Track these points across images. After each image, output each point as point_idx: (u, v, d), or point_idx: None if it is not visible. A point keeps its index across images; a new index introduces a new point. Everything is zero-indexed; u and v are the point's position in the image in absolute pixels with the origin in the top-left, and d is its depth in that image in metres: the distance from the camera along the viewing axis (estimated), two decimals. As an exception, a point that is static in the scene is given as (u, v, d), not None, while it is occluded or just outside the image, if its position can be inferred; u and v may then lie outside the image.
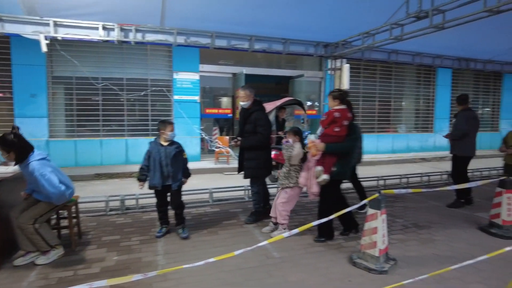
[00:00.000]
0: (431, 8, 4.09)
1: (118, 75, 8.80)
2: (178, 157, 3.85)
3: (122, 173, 7.95)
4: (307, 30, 5.55)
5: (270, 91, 12.60)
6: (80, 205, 4.11)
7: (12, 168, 3.64)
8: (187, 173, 3.98)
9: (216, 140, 9.31)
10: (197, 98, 9.28)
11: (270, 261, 3.46)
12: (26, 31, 4.51)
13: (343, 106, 3.74)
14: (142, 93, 8.91)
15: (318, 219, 3.92)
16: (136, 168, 8.36)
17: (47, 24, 4.51)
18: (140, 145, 8.94)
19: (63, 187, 3.26)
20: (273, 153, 7.23)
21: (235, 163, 8.88)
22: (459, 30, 4.65)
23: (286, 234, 2.62)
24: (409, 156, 11.33)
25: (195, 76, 9.25)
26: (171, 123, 3.86)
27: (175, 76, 9.10)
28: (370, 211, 3.26)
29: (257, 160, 4.38)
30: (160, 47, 8.99)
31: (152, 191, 3.93)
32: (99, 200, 5.00)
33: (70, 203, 3.61)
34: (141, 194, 5.22)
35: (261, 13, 4.98)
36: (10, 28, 4.43)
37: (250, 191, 4.68)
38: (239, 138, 4.36)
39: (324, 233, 3.97)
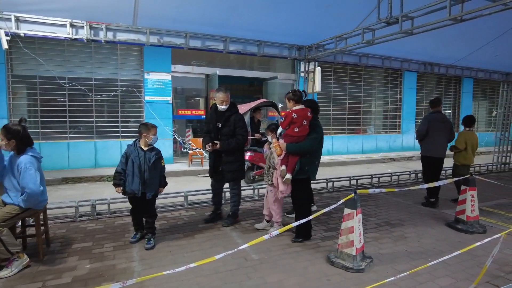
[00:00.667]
0: (400, 14, 4.26)
1: (86, 75, 8.46)
2: (156, 164, 3.74)
3: (92, 177, 7.64)
4: (281, 33, 5.61)
5: (243, 92, 12.62)
6: (48, 212, 3.90)
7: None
8: (163, 182, 3.87)
9: (190, 142, 9.18)
10: (169, 99, 9.11)
11: (248, 263, 3.45)
12: (-16, 26, 4.24)
13: (300, 106, 3.85)
14: (112, 94, 8.62)
15: (296, 219, 4.02)
16: (105, 171, 8.15)
17: (8, 19, 4.25)
18: (109, 148, 8.65)
19: (41, 188, 3.18)
20: (248, 154, 7.26)
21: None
22: (425, 36, 4.88)
23: (266, 236, 2.63)
24: (378, 156, 11.72)
25: (167, 77, 9.07)
26: (154, 127, 3.73)
27: (146, 76, 8.88)
28: (346, 210, 3.34)
29: (237, 162, 4.39)
30: (131, 46, 8.75)
31: (125, 196, 3.80)
32: (68, 205, 4.77)
33: (40, 210, 3.42)
34: (113, 198, 5.08)
35: (236, 15, 4.98)
36: (-35, 23, 4.14)
37: (229, 193, 4.68)
38: (216, 142, 4.31)
39: (302, 234, 4.03)
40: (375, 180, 7.19)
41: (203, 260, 2.27)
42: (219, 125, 4.33)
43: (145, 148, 3.71)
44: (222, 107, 4.30)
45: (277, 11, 4.93)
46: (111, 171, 8.17)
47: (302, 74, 6.53)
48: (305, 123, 3.79)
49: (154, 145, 3.82)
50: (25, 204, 3.15)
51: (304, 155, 3.85)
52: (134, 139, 3.80)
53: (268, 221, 4.40)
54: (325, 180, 6.65)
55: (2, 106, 7.78)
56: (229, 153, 4.33)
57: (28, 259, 3.27)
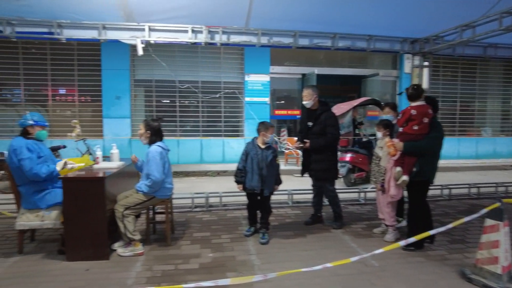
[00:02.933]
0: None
1: (193, 78, 9.13)
2: (273, 162, 3.79)
3: (198, 172, 8.23)
4: (392, 27, 5.23)
5: (335, 92, 12.24)
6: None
7: (116, 164, 3.88)
8: (279, 180, 3.91)
9: (285, 142, 9.23)
10: (267, 99, 9.30)
11: (368, 269, 3.24)
12: (124, 36, 4.83)
13: (420, 103, 3.50)
14: (218, 95, 9.16)
15: (409, 226, 3.68)
16: (209, 167, 8.70)
17: (143, 29, 4.78)
18: (213, 146, 9.20)
19: (163, 177, 3.49)
20: (349, 155, 6.95)
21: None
22: None
23: (403, 242, 2.41)
24: (497, 162, 10.18)
25: (266, 78, 9.27)
26: (272, 126, 3.81)
27: (246, 78, 9.21)
28: (489, 221, 2.89)
29: (326, 161, 4.22)
30: (232, 49, 9.17)
31: (238, 190, 3.94)
32: (185, 197, 5.17)
33: (167, 199, 3.75)
34: (224, 192, 5.36)
35: (344, 11, 4.79)
36: (111, 35, 4.77)
37: (324, 194, 4.55)
38: (306, 140, 4.20)
39: (414, 242, 3.65)
40: (501, 189, 6.21)
41: (339, 261, 2.18)
42: (310, 124, 4.24)
43: (263, 146, 3.79)
44: (305, 103, 4.22)
45: (388, 3, 4.60)
46: (215, 167, 8.85)
47: (407, 70, 5.99)
48: (426, 121, 3.45)
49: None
50: (147, 189, 3.47)
51: (423, 156, 3.51)
52: (253, 137, 3.90)
53: (387, 225, 4.11)
54: (439, 187, 5.98)
55: (126, 107, 8.88)
56: (318, 152, 4.18)
57: (142, 250, 3.52)
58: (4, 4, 4.31)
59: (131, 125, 8.98)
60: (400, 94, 8.24)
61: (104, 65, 8.75)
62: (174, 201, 5.27)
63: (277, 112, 9.65)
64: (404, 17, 4.97)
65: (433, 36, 5.37)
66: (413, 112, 3.45)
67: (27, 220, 3.40)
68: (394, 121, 4.07)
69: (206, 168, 8.46)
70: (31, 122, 3.44)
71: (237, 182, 3.84)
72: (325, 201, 4.59)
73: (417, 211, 3.66)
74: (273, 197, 5.46)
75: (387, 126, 3.94)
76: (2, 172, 6.53)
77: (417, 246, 3.66)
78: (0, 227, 4.27)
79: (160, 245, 3.72)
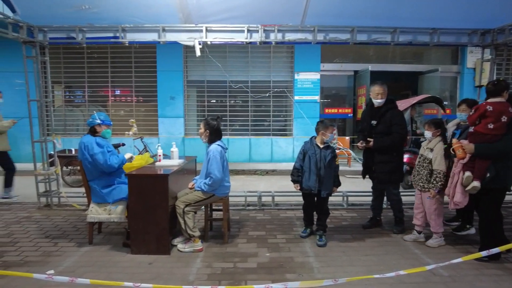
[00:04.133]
0: None
1: (244, 78, 9.21)
2: (331, 163, 3.68)
3: (247, 170, 8.30)
4: (459, 17, 4.81)
5: (388, 90, 11.66)
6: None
7: (177, 161, 3.98)
8: (337, 182, 3.78)
9: (336, 141, 8.97)
10: (317, 98, 9.12)
11: (437, 278, 3.01)
12: (182, 38, 4.95)
13: (499, 99, 3.15)
14: (267, 94, 9.16)
15: (482, 236, 3.36)
16: (258, 166, 8.72)
17: (200, 30, 4.85)
18: (261, 145, 9.22)
19: (223, 176, 3.55)
20: (407, 156, 6.56)
21: (356, 166, 8.44)
22: None
23: (485, 253, 2.17)
24: None
25: (316, 76, 9.09)
26: (332, 125, 3.70)
27: (296, 76, 9.09)
28: None
29: (391, 163, 3.97)
30: (282, 48, 9.11)
31: (290, 190, 3.90)
32: (239, 195, 5.22)
33: (225, 197, 3.78)
34: (276, 192, 5.32)
35: (407, 4, 4.49)
36: (170, 37, 4.91)
37: (386, 198, 4.32)
38: (369, 139, 3.98)
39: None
40: None
41: (413, 269, 2.02)
42: (374, 122, 4.01)
43: (321, 146, 3.68)
44: (378, 101, 3.96)
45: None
46: (263, 166, 8.84)
47: (470, 65, 5.49)
48: (504, 120, 3.10)
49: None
50: (206, 188, 3.51)
51: (498, 159, 3.16)
52: (311, 136, 3.81)
53: (419, 232, 3.83)
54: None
55: (180, 107, 9.19)
56: (383, 152, 3.94)
57: (201, 246, 3.57)
58: (76, 13, 4.61)
59: (184, 124, 9.27)
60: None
61: (159, 67, 9.12)
62: (230, 199, 5.36)
63: (327, 110, 9.42)
64: (473, 6, 4.55)
65: (508, 25, 4.87)
66: (489, 108, 3.12)
67: (97, 214, 3.61)
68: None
69: (254, 167, 8.50)
70: (98, 121, 3.66)
71: (294, 181, 3.78)
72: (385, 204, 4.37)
73: (491, 221, 3.32)
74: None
75: (438, 126, 3.64)
76: (70, 167, 7.11)
77: (493, 257, 3.33)
78: (72, 219, 4.60)
79: (217, 242, 3.76)
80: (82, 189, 4.15)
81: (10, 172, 5.59)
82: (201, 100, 9.46)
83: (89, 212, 3.63)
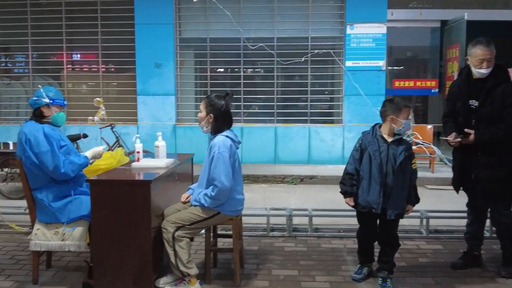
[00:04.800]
0: None
1: (267, 34, 9.20)
2: (406, 166, 3.57)
3: (271, 176, 8.28)
4: None
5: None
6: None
7: (164, 161, 3.99)
8: (414, 196, 3.68)
9: (412, 132, 8.82)
10: (381, 63, 9.02)
11: None
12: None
13: None
14: (302, 59, 9.09)
15: None
16: (289, 170, 8.70)
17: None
18: (293, 137, 9.18)
19: (233, 183, 3.50)
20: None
21: (443, 171, 8.29)
22: None
23: None
24: None
25: (380, 29, 8.95)
26: (407, 106, 3.61)
27: (348, 30, 9.00)
28: None
29: (504, 166, 3.83)
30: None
31: (337, 208, 3.85)
32: (257, 213, 5.21)
33: (237, 216, 3.76)
34: (315, 210, 5.28)
35: None
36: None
37: (490, 221, 4.22)
38: (467, 130, 3.85)
39: None
40: None
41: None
42: (474, 103, 3.91)
43: (390, 139, 3.59)
44: (482, 71, 3.80)
45: None
46: (297, 170, 8.76)
47: None
48: None
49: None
50: (208, 202, 3.48)
51: None
52: (374, 124, 3.72)
53: None
54: None
55: (170, 80, 9.26)
56: (490, 151, 3.84)
57: None
58: None
59: (175, 106, 9.36)
60: None
61: (138, 19, 9.21)
62: (243, 220, 5.36)
63: (398, 83, 9.28)
64: None
65: None
66: None
67: (44, 239, 3.64)
68: None
69: (282, 171, 8.48)
70: (46, 100, 3.65)
71: (345, 193, 3.70)
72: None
73: None
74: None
75: None
76: (7, 169, 7.27)
77: None
78: (9, 246, 4.67)
79: (225, 285, 3.74)
80: (24, 202, 4.23)
81: None
82: (202, 68, 9.49)
83: (33, 237, 3.66)
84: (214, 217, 3.59)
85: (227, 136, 3.58)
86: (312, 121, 9.31)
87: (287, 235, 5.01)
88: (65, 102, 3.82)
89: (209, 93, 9.21)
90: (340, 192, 3.76)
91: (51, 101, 3.69)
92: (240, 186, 3.70)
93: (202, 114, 3.66)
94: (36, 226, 3.70)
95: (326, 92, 9.43)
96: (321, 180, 8.14)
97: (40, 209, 3.67)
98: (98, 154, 3.89)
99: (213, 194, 3.47)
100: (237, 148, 3.68)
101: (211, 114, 3.61)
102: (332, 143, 9.16)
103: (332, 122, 9.40)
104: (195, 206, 3.59)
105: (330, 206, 5.60)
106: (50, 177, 3.59)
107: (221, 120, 3.63)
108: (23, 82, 9.79)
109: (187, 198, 3.74)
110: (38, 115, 3.71)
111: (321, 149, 9.18)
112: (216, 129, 3.63)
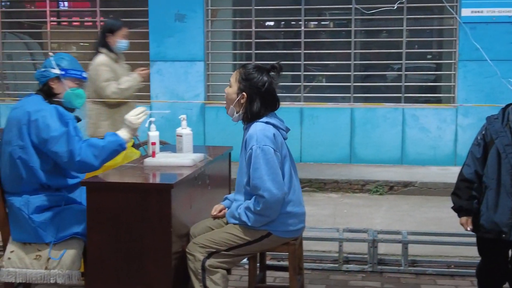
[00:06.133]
0: None
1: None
2: None
3: (346, 182, 8.31)
4: None
5: None
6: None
7: (190, 157, 4.06)
8: None
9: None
10: (515, 13, 8.86)
11: None
12: None
13: None
14: (395, 6, 9.00)
15: None
16: (370, 173, 8.68)
17: None
18: (378, 123, 9.14)
19: (285, 191, 3.47)
20: None
21: None
22: None
23: None
24: None
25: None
26: None
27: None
28: None
29: None
30: None
31: (459, 230, 3.85)
32: (326, 237, 5.23)
33: (295, 239, 3.77)
34: (413, 232, 5.26)
35: None
36: None
37: None
38: None
39: None
40: None
41: None
42: None
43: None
44: None
45: None
46: (384, 174, 8.74)
47: None
48: None
49: None
50: (253, 220, 3.50)
51: None
52: (505, 105, 3.68)
53: None
54: None
55: (197, 39, 9.37)
56: None
57: None
58: None
59: (205, 77, 9.47)
60: None
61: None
62: (305, 245, 5.40)
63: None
64: None
65: None
66: None
67: (21, 265, 3.72)
68: None
69: (362, 175, 8.49)
70: (56, 71, 3.74)
71: (459, 209, 3.68)
72: None
73: None
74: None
75: None
76: None
77: None
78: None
79: None
80: None
81: None
82: (244, 22, 9.56)
83: (4, 263, 3.76)
84: (262, 240, 3.61)
85: (267, 123, 3.60)
86: (408, 100, 9.24)
87: (369, 269, 5.00)
88: (85, 75, 3.89)
89: (253, 58, 9.34)
90: (452, 208, 3.74)
91: (63, 72, 3.77)
92: (297, 194, 3.67)
93: (231, 89, 3.68)
94: (10, 247, 3.78)
95: (430, 57, 9.29)
96: (420, 189, 8.09)
97: (15, 222, 3.75)
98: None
99: (258, 208, 3.48)
100: (286, 138, 3.68)
101: (244, 93, 3.61)
102: (439, 134, 9.08)
103: (439, 101, 9.29)
104: (233, 224, 3.63)
105: (435, 229, 5.59)
106: (42, 179, 3.68)
107: (258, 103, 3.64)
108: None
109: (220, 211, 3.81)
110: (46, 92, 3.83)
111: (420, 142, 9.13)
112: (251, 115, 3.66)
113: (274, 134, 3.51)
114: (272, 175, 3.41)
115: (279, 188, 3.42)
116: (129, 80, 5.73)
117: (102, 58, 5.66)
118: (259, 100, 3.61)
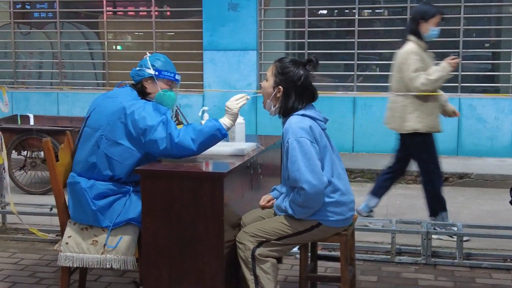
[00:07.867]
0: None
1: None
2: None
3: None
4: None
5: None
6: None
7: (243, 146, 4.06)
8: None
9: None
10: None
11: None
12: None
13: None
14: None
15: None
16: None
17: None
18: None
19: (326, 181, 3.44)
20: None
21: None
22: None
23: None
24: None
25: None
26: None
27: None
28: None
29: None
30: None
31: None
32: (377, 228, 5.24)
33: (347, 228, 3.75)
34: (467, 226, 5.23)
35: None
36: None
37: None
38: None
39: None
40: None
41: None
42: None
43: None
44: None
45: None
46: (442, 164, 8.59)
47: None
48: None
49: None
50: (299, 212, 3.45)
51: None
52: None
53: None
54: None
55: (250, 28, 9.40)
56: None
57: None
58: None
59: (257, 66, 9.50)
60: None
61: None
62: (356, 236, 5.36)
63: None
64: None
65: None
66: None
67: (78, 250, 3.76)
68: None
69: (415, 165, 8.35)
70: (150, 71, 3.83)
71: None
72: None
73: None
74: None
75: None
76: (26, 153, 7.47)
77: None
78: (28, 259, 4.97)
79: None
80: (49, 198, 4.41)
81: None
82: (297, 10, 9.54)
83: (62, 247, 3.83)
84: (313, 230, 3.60)
85: (303, 115, 3.59)
86: (464, 89, 9.15)
87: (422, 262, 4.95)
88: (178, 77, 3.96)
89: (305, 47, 9.31)
90: (510, 202, 3.70)
91: (156, 73, 3.85)
92: (344, 182, 3.63)
93: (268, 83, 3.68)
94: (68, 232, 3.83)
95: (487, 45, 9.13)
96: (476, 180, 7.97)
97: (77, 202, 3.82)
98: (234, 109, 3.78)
99: (300, 200, 3.46)
100: (324, 129, 3.64)
101: (280, 87, 3.62)
102: (497, 124, 8.95)
103: (497, 91, 9.13)
104: (280, 215, 3.63)
105: (491, 222, 5.53)
106: (116, 173, 3.74)
107: (294, 97, 3.65)
108: (47, 31, 10.28)
109: (269, 201, 3.83)
110: (139, 91, 3.89)
111: (477, 132, 9.03)
112: (287, 109, 3.68)
113: (310, 126, 3.51)
114: (310, 167, 3.40)
115: (318, 178, 3.38)
116: (439, 69, 5.60)
117: (411, 46, 5.58)
118: (295, 94, 3.63)
